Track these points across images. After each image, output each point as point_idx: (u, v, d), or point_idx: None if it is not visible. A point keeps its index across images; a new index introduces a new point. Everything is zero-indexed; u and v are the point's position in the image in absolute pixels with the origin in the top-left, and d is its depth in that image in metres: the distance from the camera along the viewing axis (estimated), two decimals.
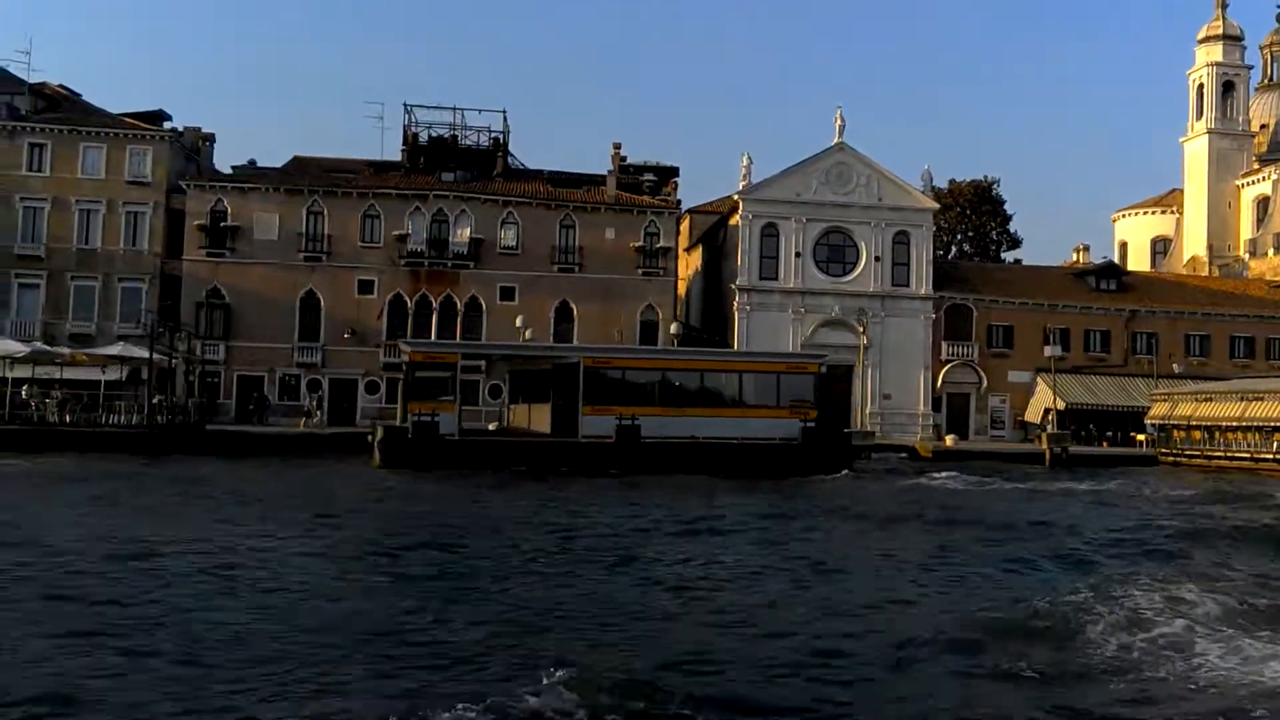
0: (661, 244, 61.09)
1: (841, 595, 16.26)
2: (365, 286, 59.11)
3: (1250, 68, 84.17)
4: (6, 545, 18.51)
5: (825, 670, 11.99)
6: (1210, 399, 53.87)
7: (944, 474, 40.17)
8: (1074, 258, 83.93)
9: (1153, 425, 57.27)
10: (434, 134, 64.46)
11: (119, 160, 58.13)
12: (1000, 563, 19.42)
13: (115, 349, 48.37)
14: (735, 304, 60.80)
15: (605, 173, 63.99)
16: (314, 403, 55.43)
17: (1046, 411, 59.29)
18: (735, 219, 62.23)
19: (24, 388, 46.32)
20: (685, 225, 70.65)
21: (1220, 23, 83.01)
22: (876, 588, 16.94)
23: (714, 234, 69.13)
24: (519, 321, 52.93)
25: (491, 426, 46.65)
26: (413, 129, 64.48)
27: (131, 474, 33.69)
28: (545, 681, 10.69)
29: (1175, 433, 54.96)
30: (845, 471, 40.40)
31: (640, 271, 60.63)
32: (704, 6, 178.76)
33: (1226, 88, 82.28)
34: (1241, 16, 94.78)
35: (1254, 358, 65.41)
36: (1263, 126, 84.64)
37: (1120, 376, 63.24)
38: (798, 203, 61.46)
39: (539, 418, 42.08)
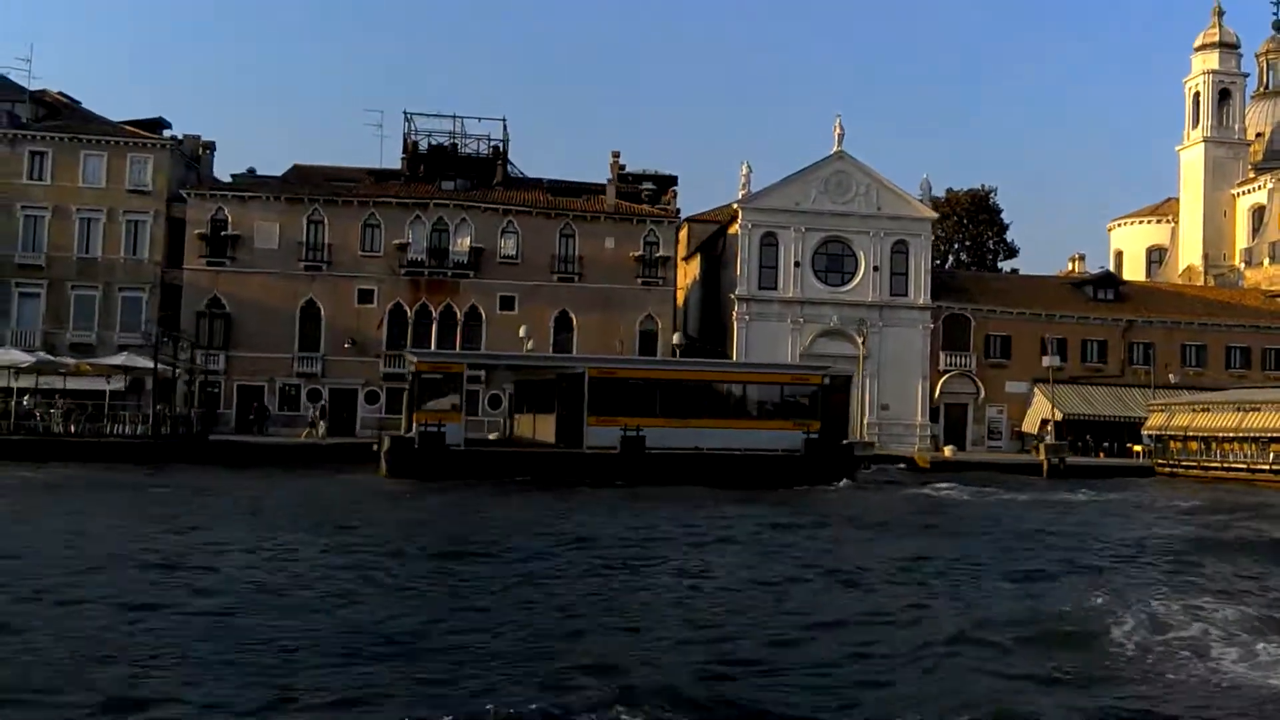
0: (661, 253, 61.22)
1: (864, 601, 16.54)
2: (365, 296, 59.14)
3: (1246, 76, 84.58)
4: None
5: (854, 672, 12.33)
6: (1207, 410, 54.08)
7: (946, 485, 40.48)
8: (1069, 267, 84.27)
9: (1149, 436, 57.46)
10: (434, 142, 64.62)
11: (119, 169, 58.11)
12: (1016, 570, 19.76)
13: (119, 359, 48.36)
14: (734, 313, 60.94)
15: (604, 181, 64.10)
16: (317, 413, 55.36)
17: (1044, 422, 59.46)
18: (734, 228, 62.39)
19: (25, 397, 46.37)
20: (683, 234, 70.81)
21: (1217, 31, 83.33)
22: (898, 594, 17.21)
23: (712, 243, 69.29)
24: (522, 331, 53.01)
25: (492, 436, 46.71)
26: (413, 137, 64.63)
27: (144, 485, 33.81)
28: (581, 689, 10.90)
29: (1172, 443, 55.16)
30: (847, 482, 40.62)
31: (640, 281, 60.75)
32: (701, 14, 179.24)
33: (1223, 96, 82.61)
34: (1238, 25, 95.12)
35: (1250, 368, 65.64)
36: (1258, 135, 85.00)
37: (1117, 387, 63.41)
38: (797, 212, 61.62)
39: (543, 428, 42.20)
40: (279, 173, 63.86)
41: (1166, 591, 17.58)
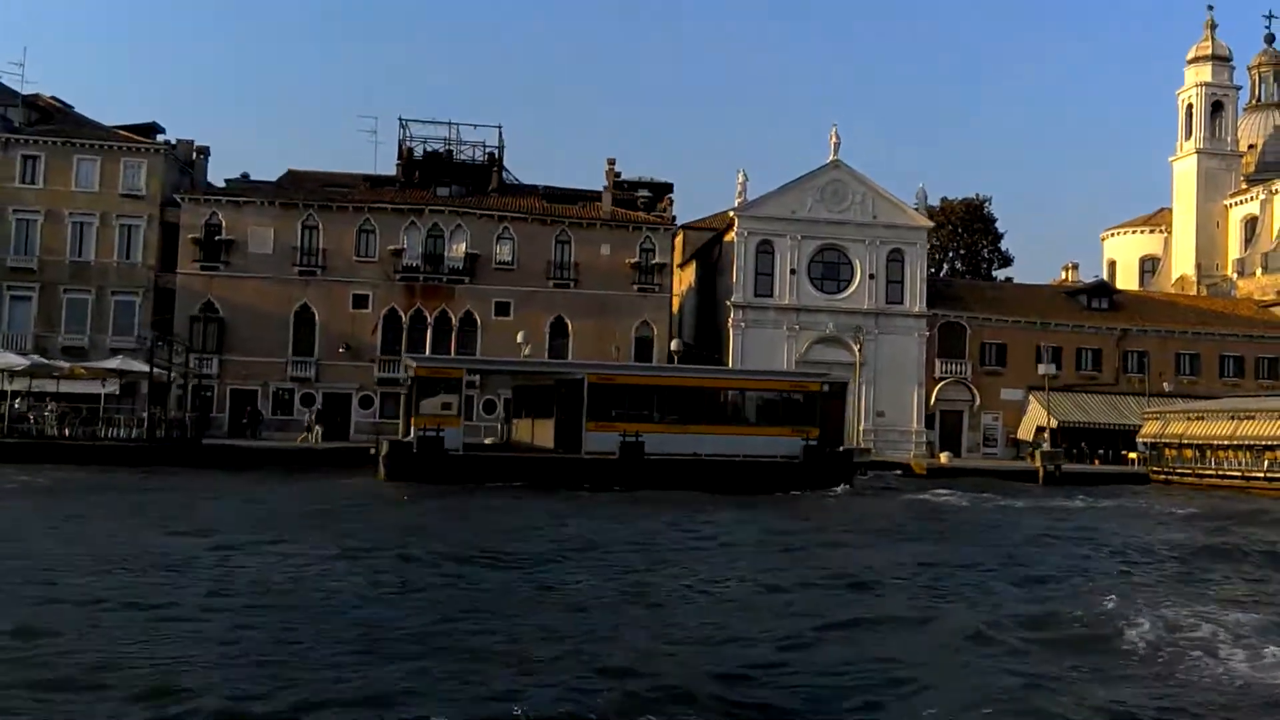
0: (657, 260, 61.22)
1: (876, 605, 16.53)
2: (360, 301, 58.99)
3: (1239, 88, 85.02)
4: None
5: (872, 673, 12.32)
6: (1201, 418, 54.17)
7: (945, 491, 40.52)
8: (1063, 276, 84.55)
9: (1144, 443, 57.54)
10: (429, 149, 64.51)
11: (113, 173, 57.96)
12: (1025, 575, 19.80)
13: (114, 363, 48.14)
14: (730, 320, 60.92)
15: (600, 188, 64.09)
16: (312, 417, 55.11)
17: (1039, 429, 59.56)
18: (730, 235, 62.42)
19: (17, 400, 46.14)
20: (678, 241, 70.77)
21: (1209, 44, 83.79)
22: (909, 598, 17.23)
23: (708, 250, 69.31)
24: (520, 337, 52.89)
25: (488, 441, 46.61)
26: (408, 143, 64.53)
27: (143, 488, 33.67)
28: (601, 692, 10.84)
29: (1167, 451, 55.21)
30: (845, 488, 40.56)
31: (635, 287, 60.70)
32: (697, 21, 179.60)
33: (1215, 108, 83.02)
34: (1230, 38, 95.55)
35: (1243, 377, 65.83)
36: (1251, 147, 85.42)
37: (1112, 395, 63.56)
38: (793, 220, 61.68)
39: (542, 433, 42.10)
40: (273, 178, 63.69)
41: (1174, 595, 17.79)
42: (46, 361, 48.57)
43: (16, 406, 45.35)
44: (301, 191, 60.85)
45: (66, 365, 48.37)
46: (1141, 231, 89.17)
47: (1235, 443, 51.01)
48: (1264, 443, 49.37)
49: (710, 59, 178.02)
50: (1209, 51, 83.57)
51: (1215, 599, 17.56)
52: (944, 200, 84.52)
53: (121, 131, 59.83)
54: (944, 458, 56.77)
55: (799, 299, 61.42)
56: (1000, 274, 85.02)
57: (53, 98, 62.28)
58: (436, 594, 16.41)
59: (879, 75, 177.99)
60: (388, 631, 13.58)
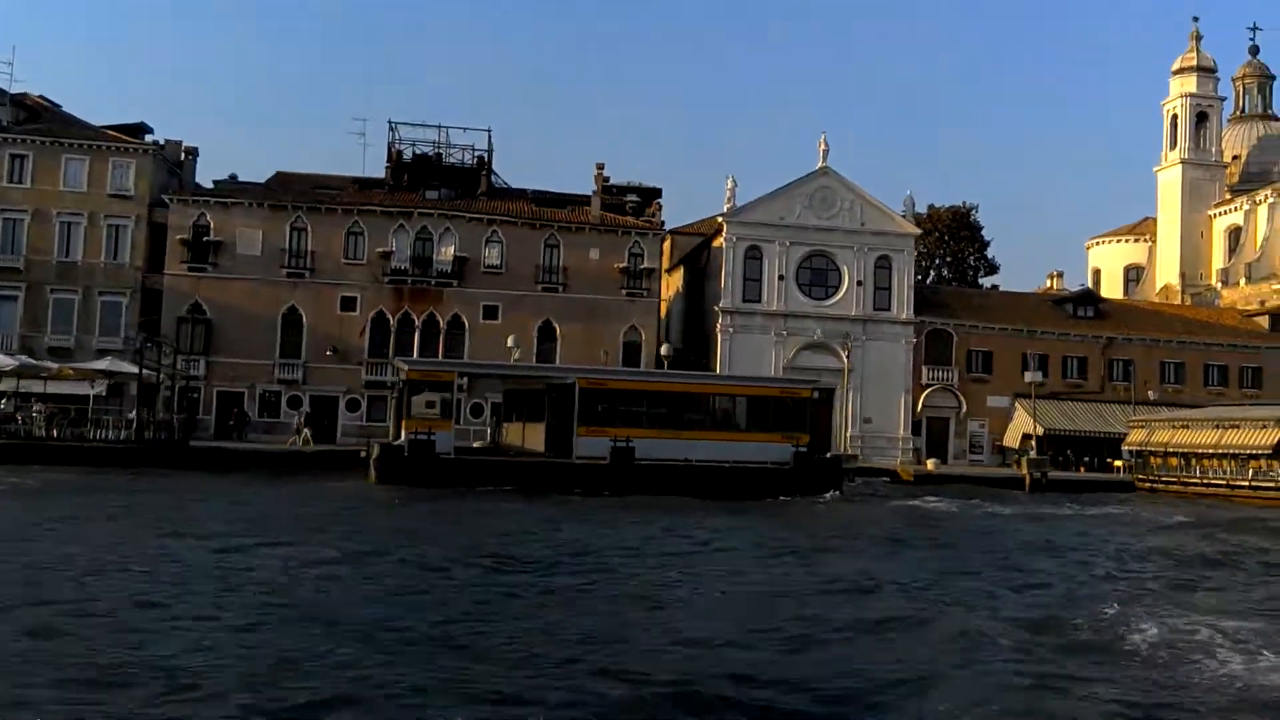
0: (645, 265, 61.22)
1: (880, 609, 16.62)
2: (348, 303, 58.81)
3: (1223, 99, 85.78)
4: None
5: (878, 676, 12.43)
6: (1187, 426, 54.48)
7: (934, 498, 40.68)
8: (1048, 283, 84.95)
9: (1130, 452, 57.84)
10: (418, 151, 64.39)
11: (101, 173, 57.65)
12: (1024, 581, 19.93)
13: (104, 363, 47.83)
14: (718, 326, 60.99)
15: (589, 193, 64.11)
16: (301, 420, 54.79)
17: (1025, 436, 59.80)
18: (719, 241, 62.50)
19: (3, 400, 45.86)
20: (666, 246, 70.83)
21: (1194, 55, 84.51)
22: (912, 602, 17.33)
23: (696, 255, 69.37)
24: (510, 341, 52.81)
25: (476, 444, 46.54)
26: (397, 146, 64.39)
27: (136, 489, 33.46)
28: (610, 695, 10.89)
29: (1152, 459, 55.54)
30: (835, 494, 40.61)
31: (624, 292, 60.69)
32: (688, 27, 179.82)
33: (1200, 118, 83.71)
34: (1215, 49, 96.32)
35: (1227, 385, 66.19)
36: (1235, 157, 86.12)
37: (1097, 403, 63.84)
38: (781, 226, 61.80)
39: (533, 437, 42.08)
40: (261, 180, 63.46)
41: (1172, 601, 18.05)
42: (35, 362, 48.21)
43: (3, 407, 45.07)
44: (290, 193, 60.63)
45: (55, 366, 48.04)
46: (1126, 240, 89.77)
47: (1220, 451, 51.35)
48: (1249, 451, 49.72)
49: (700, 64, 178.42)
50: (1194, 63, 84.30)
51: (1213, 605, 17.84)
52: (931, 207, 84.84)
53: (110, 131, 59.54)
54: (931, 464, 56.93)
55: (787, 305, 61.54)
56: (986, 281, 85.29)
57: (41, 97, 61.92)
58: (440, 595, 16.46)
59: (868, 83, 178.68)
60: (396, 633, 13.61)
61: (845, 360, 60.24)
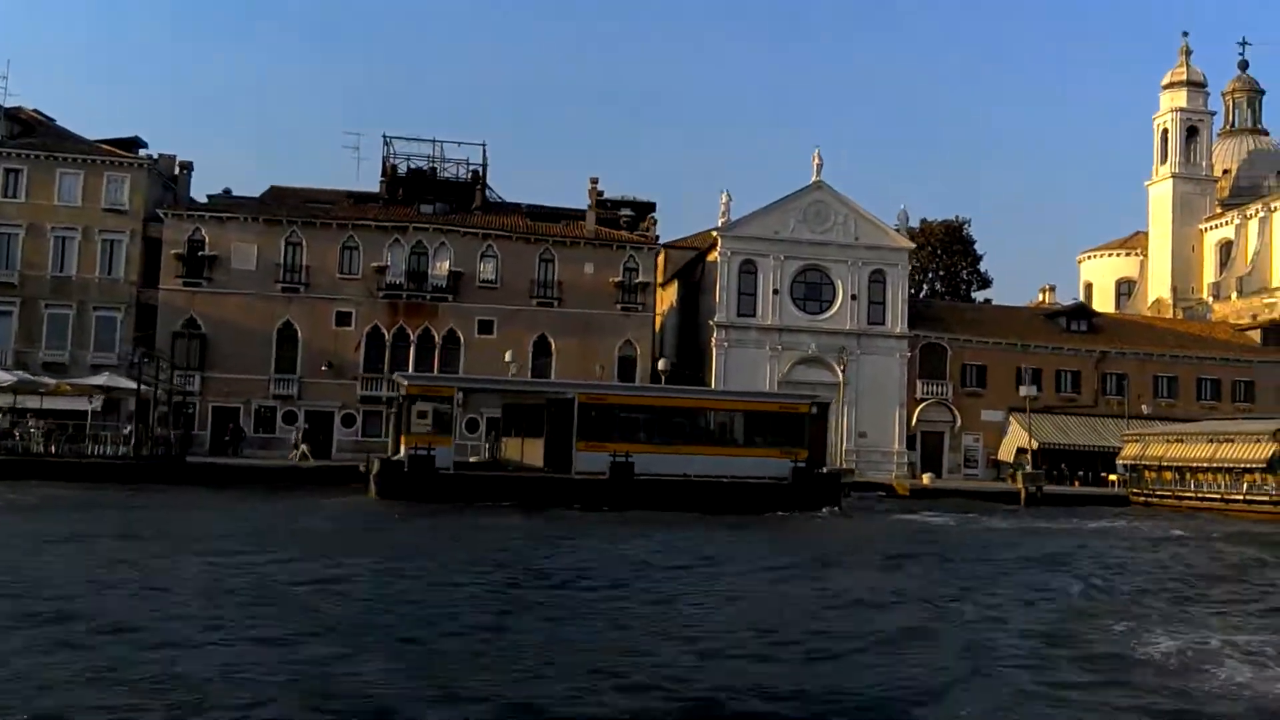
0: (640, 279, 61.31)
1: (893, 621, 16.70)
2: (343, 318, 58.74)
3: (1213, 114, 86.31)
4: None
5: (895, 687, 12.51)
6: (1180, 440, 54.64)
7: (932, 512, 40.80)
8: (1040, 297, 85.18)
9: (1124, 466, 58.00)
10: (413, 166, 64.41)
11: (96, 187, 57.58)
12: (1033, 594, 20.02)
13: (101, 379, 47.74)
14: (713, 340, 61.06)
15: (583, 207, 64.18)
16: (299, 435, 54.63)
17: (1020, 451, 59.93)
18: (713, 255, 62.62)
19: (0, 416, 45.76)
20: (660, 260, 70.91)
21: (1184, 69, 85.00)
22: (924, 615, 17.42)
23: (690, 270, 69.50)
24: (507, 356, 52.77)
25: (473, 459, 46.47)
26: (392, 160, 64.42)
27: (138, 505, 33.47)
28: (625, 705, 10.93)
29: (1146, 473, 55.65)
30: (833, 510, 40.58)
31: (619, 307, 60.74)
32: (682, 42, 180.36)
33: (1190, 133, 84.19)
34: (1205, 64, 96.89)
35: (1220, 399, 66.45)
36: (1225, 172, 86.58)
37: (1091, 417, 64.03)
38: (775, 240, 61.96)
39: (532, 452, 42.01)
40: (256, 194, 63.40)
41: (1179, 612, 18.21)
42: (33, 378, 48.10)
43: (0, 423, 44.92)
44: (284, 208, 60.61)
45: (53, 381, 47.91)
46: (1118, 254, 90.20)
47: (1214, 465, 51.48)
48: (1243, 465, 49.87)
49: (692, 79, 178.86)
50: (1184, 77, 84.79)
51: (1220, 617, 17.98)
52: (924, 222, 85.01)
53: (104, 146, 59.47)
54: (926, 479, 57.05)
55: (781, 319, 61.66)
56: (979, 295, 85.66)
57: (35, 111, 61.82)
58: (458, 608, 16.59)
59: (862, 96, 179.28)
60: (421, 646, 13.71)
61: (840, 374, 60.38)
